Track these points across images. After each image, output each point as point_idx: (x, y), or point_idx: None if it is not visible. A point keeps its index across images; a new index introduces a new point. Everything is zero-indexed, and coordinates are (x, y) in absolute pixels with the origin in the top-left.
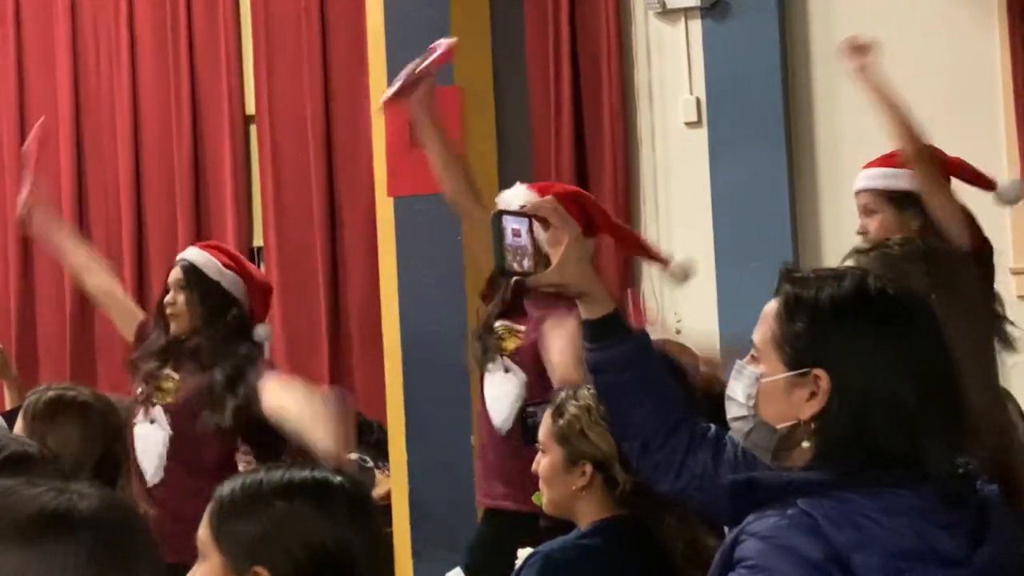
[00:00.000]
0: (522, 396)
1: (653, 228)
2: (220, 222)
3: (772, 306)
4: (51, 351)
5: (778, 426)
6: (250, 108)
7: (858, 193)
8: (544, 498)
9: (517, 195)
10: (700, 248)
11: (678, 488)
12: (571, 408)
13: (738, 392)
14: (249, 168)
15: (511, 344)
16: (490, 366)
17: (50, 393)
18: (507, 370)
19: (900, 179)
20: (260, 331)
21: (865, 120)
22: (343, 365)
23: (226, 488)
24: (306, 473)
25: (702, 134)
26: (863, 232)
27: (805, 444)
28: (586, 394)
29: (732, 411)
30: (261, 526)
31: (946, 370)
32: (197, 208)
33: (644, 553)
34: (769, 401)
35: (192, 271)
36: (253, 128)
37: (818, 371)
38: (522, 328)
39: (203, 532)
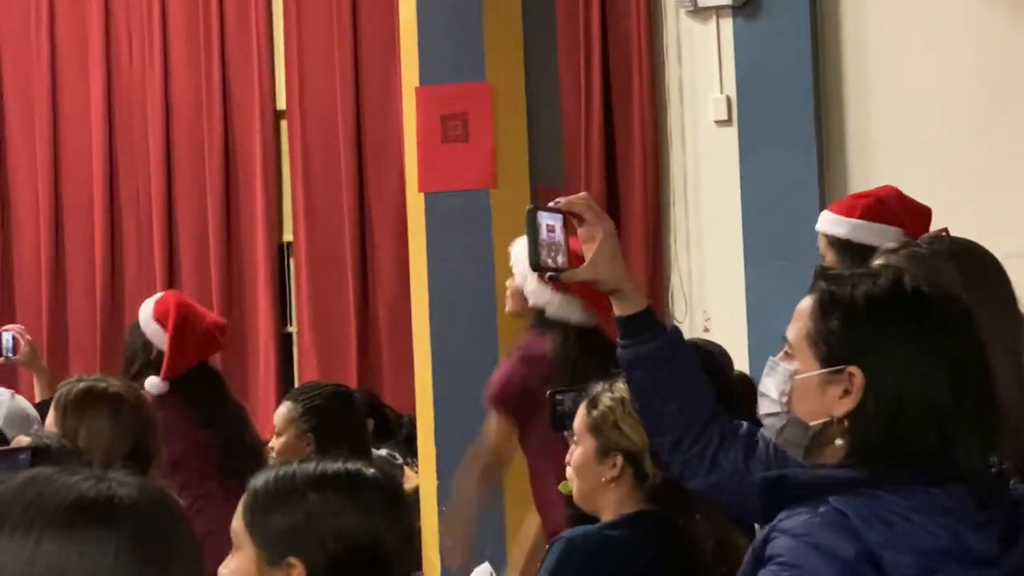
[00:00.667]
0: None
1: (683, 226)
2: (250, 217)
3: (807, 303)
4: (81, 343)
5: (811, 423)
6: (281, 104)
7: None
8: (573, 489)
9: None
10: (729, 246)
11: (709, 484)
12: (606, 399)
13: (771, 388)
14: (280, 163)
15: None
16: None
17: (81, 385)
18: None
19: (842, 226)
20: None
21: (895, 119)
22: (372, 360)
23: (259, 480)
24: (339, 466)
25: (732, 133)
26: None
27: (838, 442)
28: (621, 387)
29: (765, 407)
30: (294, 517)
31: (980, 369)
32: (227, 203)
33: (670, 549)
34: (803, 398)
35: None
36: (284, 124)
37: (852, 368)
38: None
39: (237, 523)
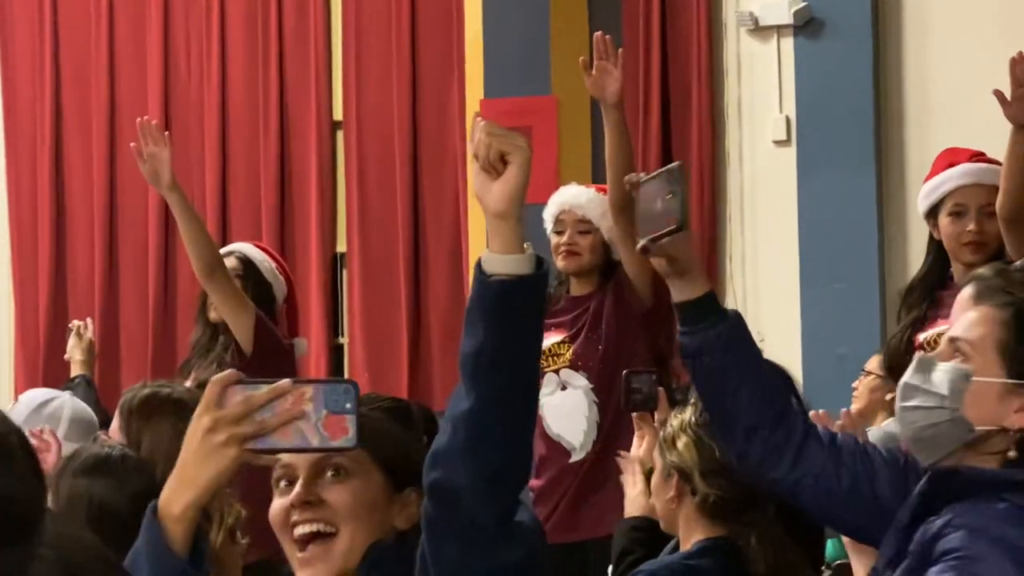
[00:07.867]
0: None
1: (739, 245)
2: (304, 227)
3: (992, 312)
4: (133, 351)
5: (977, 427)
6: (338, 114)
7: (974, 188)
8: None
9: (578, 195)
10: (785, 267)
11: (792, 479)
12: (673, 420)
13: (941, 384)
14: (335, 174)
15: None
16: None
17: (145, 391)
18: (564, 386)
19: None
20: (300, 345)
21: (956, 143)
22: (424, 373)
23: None
24: None
25: (791, 153)
26: (979, 238)
27: (1011, 453)
28: (689, 410)
29: (918, 399)
30: None
31: None
32: (282, 213)
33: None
34: (978, 401)
35: (248, 264)
36: (340, 134)
37: None
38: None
39: None
